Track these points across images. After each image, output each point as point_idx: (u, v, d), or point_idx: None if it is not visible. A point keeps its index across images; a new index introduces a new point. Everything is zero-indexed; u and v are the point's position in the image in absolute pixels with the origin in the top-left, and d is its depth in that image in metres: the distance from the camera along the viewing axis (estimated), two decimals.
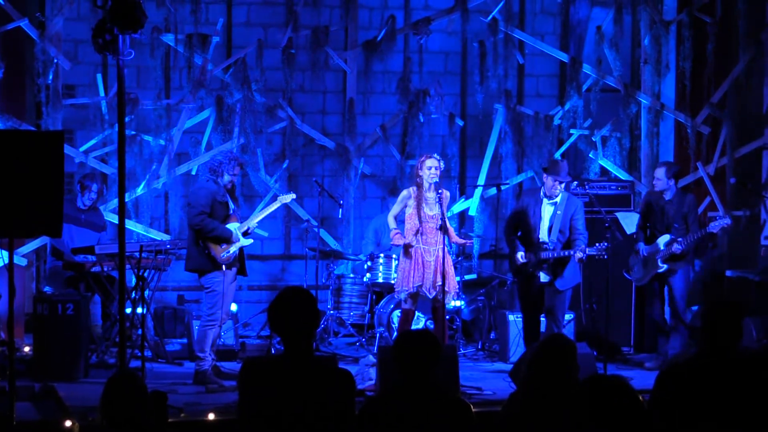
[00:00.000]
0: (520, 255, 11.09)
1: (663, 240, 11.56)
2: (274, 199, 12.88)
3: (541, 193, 11.15)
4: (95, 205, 12.23)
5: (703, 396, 5.69)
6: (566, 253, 11.01)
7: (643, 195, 12.49)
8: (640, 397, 4.92)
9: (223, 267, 10.60)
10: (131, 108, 12.77)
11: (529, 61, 14.55)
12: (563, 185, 11.17)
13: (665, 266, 11.56)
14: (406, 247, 10.89)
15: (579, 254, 10.94)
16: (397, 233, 10.96)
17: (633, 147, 14.28)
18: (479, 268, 13.94)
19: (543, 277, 11.11)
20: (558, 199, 11.10)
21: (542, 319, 11.37)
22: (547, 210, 11.12)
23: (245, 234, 10.77)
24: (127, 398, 5.48)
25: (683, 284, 11.69)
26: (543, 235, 11.10)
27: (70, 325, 10.72)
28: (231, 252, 10.60)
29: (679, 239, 11.46)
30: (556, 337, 6.18)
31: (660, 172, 11.68)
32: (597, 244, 10.94)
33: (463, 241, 11.55)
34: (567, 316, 11.87)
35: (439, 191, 10.81)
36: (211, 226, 10.57)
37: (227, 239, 10.62)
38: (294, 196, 11.60)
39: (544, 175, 11.18)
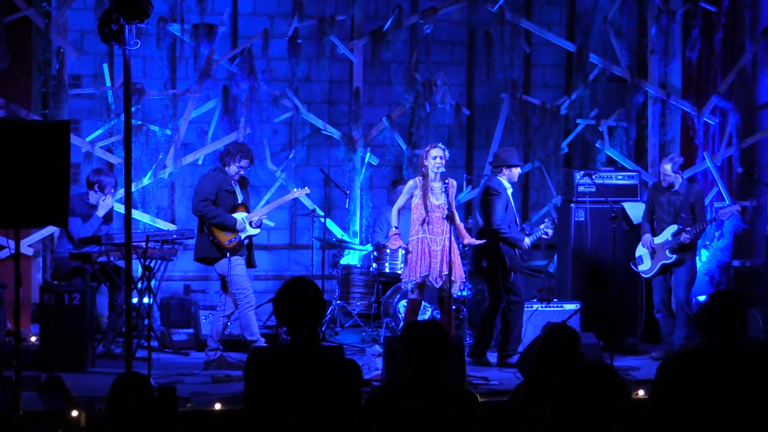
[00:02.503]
0: (527, 240, 11.21)
1: (670, 230, 11.55)
2: (280, 188, 12.90)
3: (506, 184, 11.21)
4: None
5: (704, 387, 5.68)
6: (543, 231, 11.36)
7: (650, 185, 12.45)
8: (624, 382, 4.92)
9: (228, 254, 10.65)
10: (137, 98, 12.76)
11: (535, 51, 14.52)
12: None
13: (674, 257, 11.54)
14: (408, 251, 10.96)
15: (550, 230, 11.48)
16: (395, 234, 11.01)
17: (639, 137, 14.26)
18: None
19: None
20: (511, 188, 11.30)
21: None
22: (511, 199, 11.28)
23: (252, 224, 10.80)
24: (134, 398, 5.49)
25: (689, 274, 11.67)
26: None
27: (77, 315, 10.74)
28: (236, 239, 10.65)
29: (687, 228, 11.45)
30: (560, 327, 6.18)
31: (667, 168, 11.63)
32: (541, 224, 11.66)
33: (478, 242, 11.51)
34: (572, 306, 11.88)
35: (446, 181, 10.82)
36: (214, 212, 10.62)
37: (231, 227, 10.64)
38: (308, 190, 11.63)
39: (507, 168, 11.27)
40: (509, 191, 11.25)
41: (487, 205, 11.20)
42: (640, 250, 11.84)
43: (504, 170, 11.24)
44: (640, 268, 11.85)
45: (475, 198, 13.00)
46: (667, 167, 11.65)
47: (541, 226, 11.47)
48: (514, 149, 11.65)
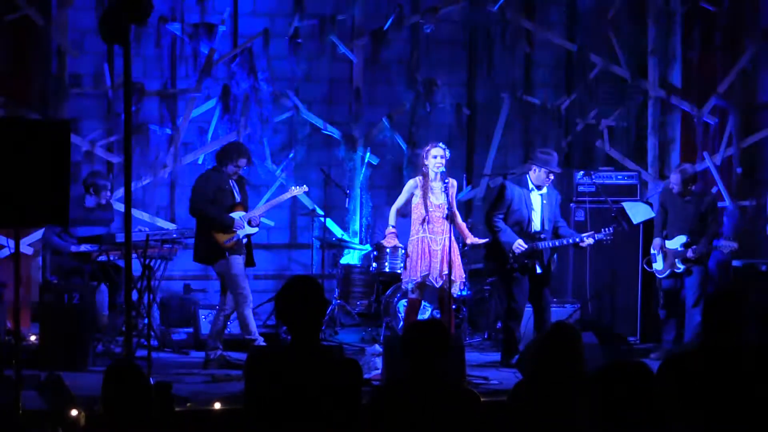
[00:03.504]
0: (519, 242, 10.95)
1: (679, 240, 11.47)
2: (280, 188, 12.90)
3: (529, 184, 11.09)
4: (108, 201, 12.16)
5: (705, 387, 5.68)
6: (575, 240, 11.03)
7: (662, 189, 12.28)
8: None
9: (227, 253, 10.64)
10: (137, 97, 12.76)
11: (536, 51, 14.51)
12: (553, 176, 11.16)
13: (683, 267, 11.48)
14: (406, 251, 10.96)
15: (589, 240, 10.99)
16: (391, 233, 11.00)
17: (639, 137, 14.25)
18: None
19: (539, 269, 11.09)
20: (545, 190, 11.10)
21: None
22: (536, 200, 11.10)
23: (250, 223, 10.80)
24: (127, 388, 5.46)
25: (700, 283, 11.55)
26: (537, 225, 11.07)
27: (76, 314, 10.73)
28: (234, 238, 10.65)
29: (693, 247, 11.36)
30: (562, 326, 6.17)
31: (675, 179, 11.47)
32: (603, 229, 11.02)
33: (480, 241, 11.43)
34: (572, 306, 11.87)
35: (446, 180, 10.79)
36: (211, 213, 10.60)
37: (229, 227, 10.64)
38: (306, 188, 11.62)
39: (534, 167, 11.07)
40: (534, 192, 11.06)
41: (490, 200, 11.29)
42: (653, 251, 11.75)
43: (534, 169, 11.09)
44: (654, 267, 11.75)
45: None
46: (676, 178, 11.56)
47: (585, 237, 11.21)
48: (555, 154, 11.25)
